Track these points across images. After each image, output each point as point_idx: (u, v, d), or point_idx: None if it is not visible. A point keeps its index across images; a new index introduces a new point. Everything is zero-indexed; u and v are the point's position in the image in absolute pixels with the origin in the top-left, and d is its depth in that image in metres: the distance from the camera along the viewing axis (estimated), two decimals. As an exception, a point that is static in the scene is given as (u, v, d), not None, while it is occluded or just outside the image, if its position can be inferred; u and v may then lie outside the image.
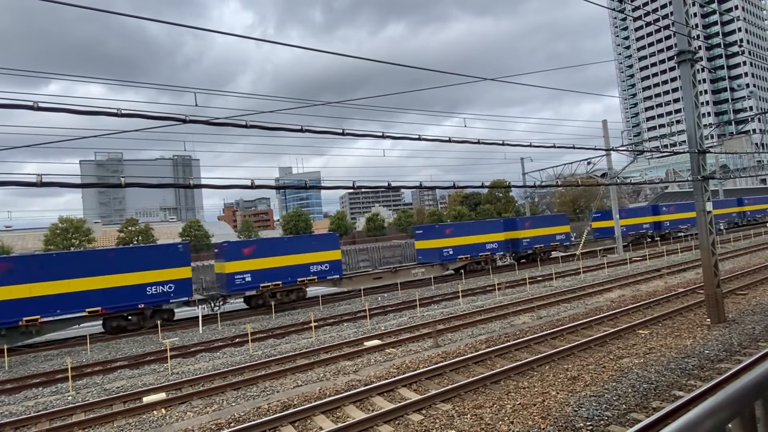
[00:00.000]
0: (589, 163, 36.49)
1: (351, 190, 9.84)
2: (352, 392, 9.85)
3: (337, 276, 25.97)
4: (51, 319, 19.19)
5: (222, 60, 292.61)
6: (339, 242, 27.55)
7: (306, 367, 12.64)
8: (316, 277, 25.21)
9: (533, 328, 14.90)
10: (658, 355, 10.80)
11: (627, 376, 9.60)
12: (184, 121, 6.97)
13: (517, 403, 8.70)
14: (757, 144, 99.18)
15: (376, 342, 14.67)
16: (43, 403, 11.73)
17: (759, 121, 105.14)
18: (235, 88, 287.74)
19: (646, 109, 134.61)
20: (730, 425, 1.35)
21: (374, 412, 8.71)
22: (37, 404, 11.66)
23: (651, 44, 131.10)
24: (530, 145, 11.32)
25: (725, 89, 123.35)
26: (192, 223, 66.30)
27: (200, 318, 20.77)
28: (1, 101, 5.64)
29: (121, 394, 11.56)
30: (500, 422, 7.92)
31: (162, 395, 11.18)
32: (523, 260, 35.43)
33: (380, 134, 8.86)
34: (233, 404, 10.36)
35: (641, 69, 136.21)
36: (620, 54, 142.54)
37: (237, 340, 17.19)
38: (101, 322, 20.76)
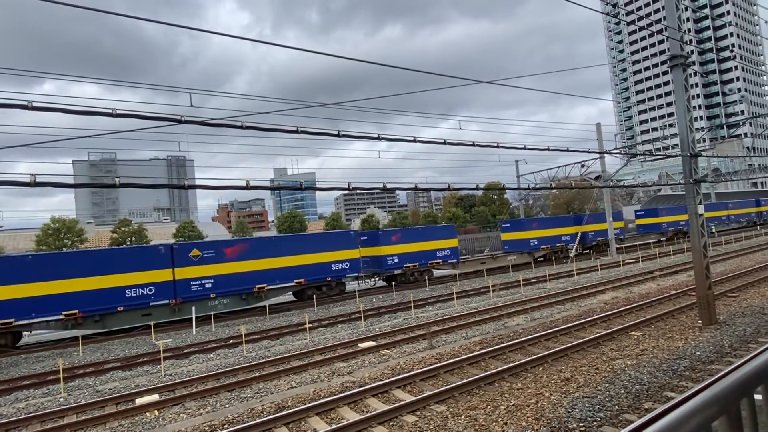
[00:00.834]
0: (583, 166, 36.68)
1: (346, 192, 9.85)
2: (346, 394, 9.85)
3: (455, 260, 31.70)
4: (273, 287, 24.05)
5: (218, 60, 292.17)
6: (456, 233, 34.01)
7: (300, 369, 12.62)
8: (441, 261, 30.71)
9: (527, 330, 14.97)
10: (651, 357, 10.89)
11: (619, 377, 9.67)
12: (180, 122, 6.95)
13: (511, 404, 8.74)
14: (748, 148, 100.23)
15: (370, 343, 14.67)
16: (34, 404, 11.62)
17: (750, 125, 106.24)
18: (231, 88, 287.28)
19: (640, 113, 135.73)
20: (716, 423, 1.38)
21: (368, 414, 8.71)
22: (28, 406, 11.56)
23: (644, 48, 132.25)
24: (525, 148, 11.36)
25: (717, 94, 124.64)
26: (186, 223, 65.95)
27: (194, 319, 20.67)
28: (-5, 100, 5.60)
29: (114, 395, 11.47)
30: (494, 423, 7.96)
31: (155, 397, 11.11)
32: (586, 251, 41.00)
33: (376, 136, 8.88)
34: (227, 406, 10.32)
35: (635, 73, 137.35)
36: (614, 58, 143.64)
37: (231, 341, 17.12)
38: (296, 292, 25.67)
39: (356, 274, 27.05)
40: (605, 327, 14.21)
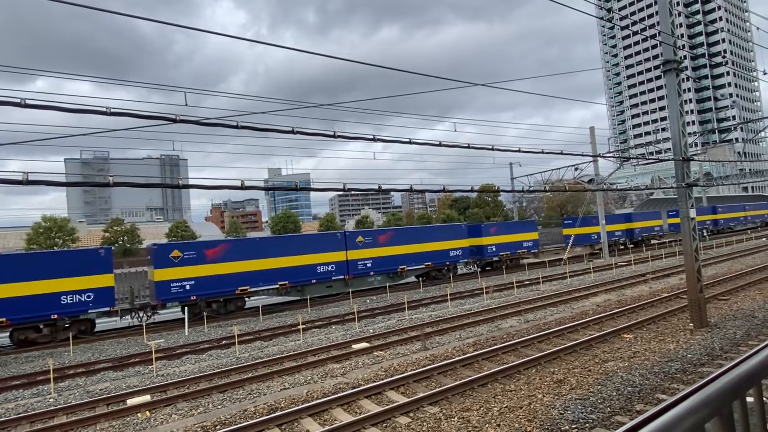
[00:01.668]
0: (576, 169, 36.97)
1: (341, 193, 9.84)
2: (339, 395, 9.83)
3: (536, 250, 36.97)
4: (411, 268, 28.89)
5: (214, 59, 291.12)
6: (536, 226, 39.33)
7: (293, 370, 12.57)
8: (525, 251, 35.56)
9: (520, 332, 15.02)
10: (643, 359, 10.97)
11: (612, 379, 9.73)
12: (174, 121, 6.92)
13: (504, 405, 8.76)
14: (739, 153, 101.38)
15: (364, 345, 14.65)
16: (23, 405, 11.49)
17: (741, 130, 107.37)
18: (226, 88, 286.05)
19: (633, 117, 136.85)
20: (708, 424, 1.39)
21: (362, 415, 8.70)
22: (17, 406, 11.42)
23: (638, 53, 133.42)
24: (519, 151, 11.44)
25: (709, 99, 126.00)
26: (179, 223, 65.55)
27: (186, 320, 20.55)
28: (-13, 97, 5.55)
29: (105, 396, 11.37)
30: (487, 425, 7.98)
31: (146, 397, 11.03)
32: (632, 245, 44.70)
33: (371, 137, 8.89)
34: (219, 407, 10.27)
35: (628, 77, 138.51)
36: (608, 62, 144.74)
37: (223, 342, 17.03)
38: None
39: (465, 261, 32.06)
40: (598, 329, 14.29)
